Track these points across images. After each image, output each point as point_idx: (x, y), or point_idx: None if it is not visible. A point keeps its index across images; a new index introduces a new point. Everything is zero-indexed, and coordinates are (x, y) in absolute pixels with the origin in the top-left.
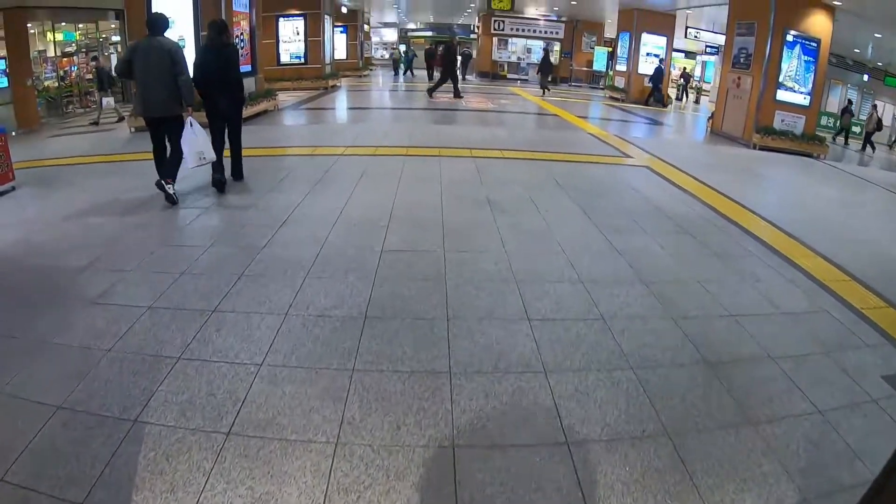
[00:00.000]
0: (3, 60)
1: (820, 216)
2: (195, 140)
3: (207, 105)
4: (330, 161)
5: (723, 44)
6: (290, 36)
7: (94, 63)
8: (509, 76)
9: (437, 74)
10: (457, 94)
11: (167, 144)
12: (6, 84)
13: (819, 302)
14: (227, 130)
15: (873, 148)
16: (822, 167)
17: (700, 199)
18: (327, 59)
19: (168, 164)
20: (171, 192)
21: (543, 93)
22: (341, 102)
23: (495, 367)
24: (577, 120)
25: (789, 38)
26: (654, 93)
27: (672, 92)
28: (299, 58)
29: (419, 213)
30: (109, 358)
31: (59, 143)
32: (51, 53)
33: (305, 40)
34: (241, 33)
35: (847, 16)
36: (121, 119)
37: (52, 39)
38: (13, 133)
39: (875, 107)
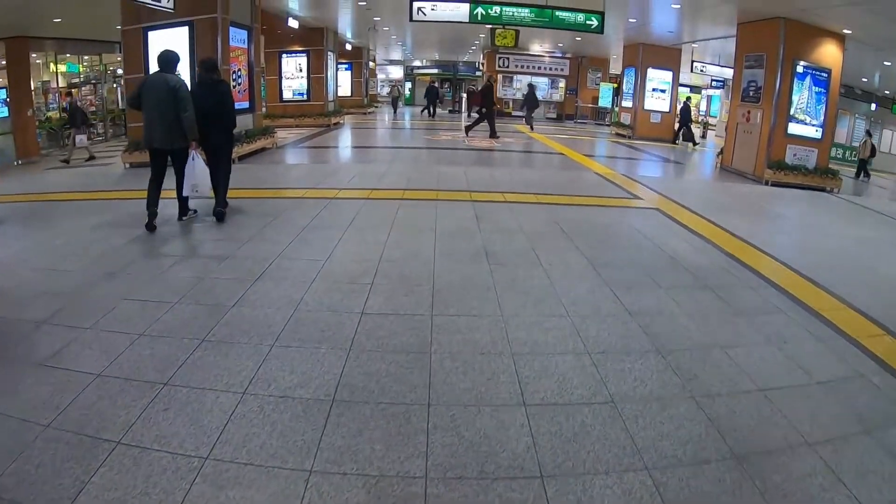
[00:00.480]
0: (4, 90)
1: (843, 258)
2: (192, 172)
3: (201, 140)
4: (321, 205)
5: (728, 77)
6: (293, 72)
7: (68, 98)
8: (514, 113)
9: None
10: (493, 135)
11: (163, 181)
12: (7, 114)
13: (855, 364)
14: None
15: (868, 175)
16: (837, 202)
17: (716, 244)
18: (330, 97)
19: (177, 191)
20: (191, 212)
21: (532, 128)
22: (341, 141)
23: (481, 472)
24: (582, 158)
25: (799, 69)
26: (682, 130)
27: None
28: (302, 95)
29: (408, 269)
30: (46, 436)
31: (54, 177)
32: (54, 84)
33: (308, 77)
34: (239, 69)
35: (856, 44)
36: (91, 158)
37: (55, 70)
38: (17, 163)
39: (869, 133)
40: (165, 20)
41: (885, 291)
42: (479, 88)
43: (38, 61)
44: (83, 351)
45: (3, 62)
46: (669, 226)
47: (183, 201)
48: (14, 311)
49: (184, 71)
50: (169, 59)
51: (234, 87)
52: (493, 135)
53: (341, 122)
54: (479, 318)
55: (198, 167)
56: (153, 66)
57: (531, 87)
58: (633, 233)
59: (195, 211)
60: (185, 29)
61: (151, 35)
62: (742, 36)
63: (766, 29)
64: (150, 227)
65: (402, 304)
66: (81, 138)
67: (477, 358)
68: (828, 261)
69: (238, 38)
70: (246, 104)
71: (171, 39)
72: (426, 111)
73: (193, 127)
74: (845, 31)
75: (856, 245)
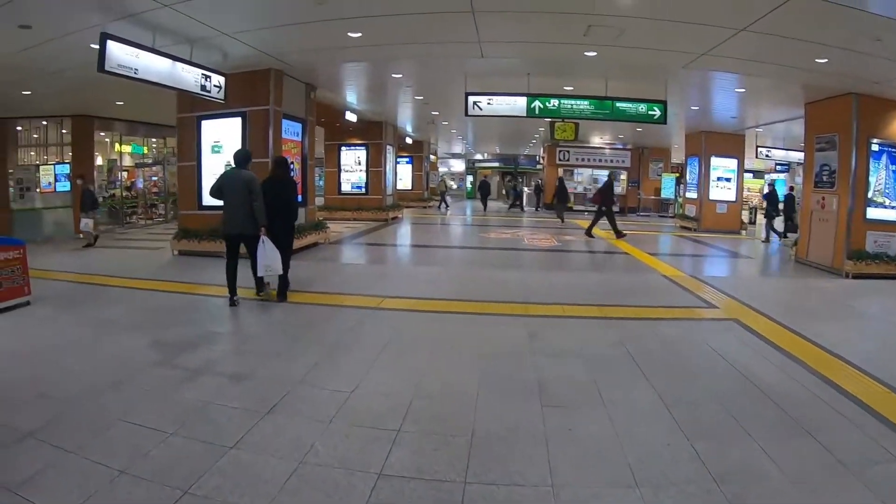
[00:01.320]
0: (68, 165)
1: None
2: (264, 254)
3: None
4: (358, 317)
5: (794, 160)
6: (352, 165)
7: (79, 182)
8: (575, 208)
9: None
10: (619, 234)
11: (237, 264)
12: (69, 188)
13: None
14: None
15: None
16: None
17: (805, 364)
18: (388, 190)
19: (252, 271)
20: (235, 299)
21: (562, 221)
22: (396, 238)
23: None
24: (647, 258)
25: (874, 147)
26: (786, 222)
27: (745, 215)
28: (360, 188)
29: (445, 410)
30: None
31: (103, 256)
32: (119, 163)
33: (367, 170)
34: (291, 161)
35: None
36: (95, 239)
37: (119, 150)
38: (81, 235)
39: None
40: (219, 110)
41: None
42: (601, 186)
43: (106, 140)
44: (57, 481)
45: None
46: (750, 341)
47: (259, 279)
48: (5, 413)
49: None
50: (245, 156)
51: None
52: (619, 235)
53: (399, 216)
54: (524, 487)
55: (268, 249)
56: (206, 153)
57: (561, 180)
58: (710, 354)
59: (237, 300)
60: (238, 119)
61: (205, 124)
62: (811, 116)
63: (836, 107)
64: (233, 303)
65: (430, 463)
66: (87, 223)
67: None
68: None
69: (292, 130)
70: (299, 198)
71: (224, 129)
72: (513, 205)
73: (262, 214)
74: None
75: None
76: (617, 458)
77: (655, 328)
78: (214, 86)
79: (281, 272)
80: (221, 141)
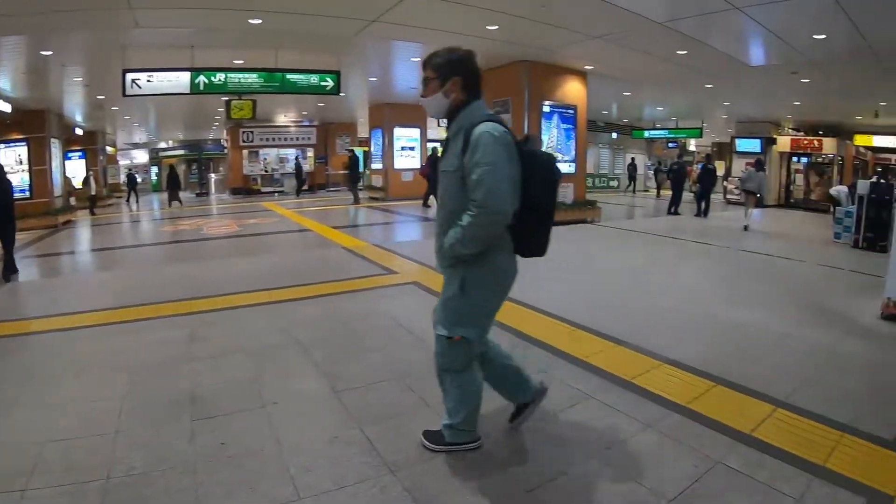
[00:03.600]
0: None
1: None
2: None
3: None
4: None
5: None
6: (13, 166)
7: None
8: (263, 189)
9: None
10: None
11: None
12: None
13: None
14: None
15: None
16: (603, 230)
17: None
18: (57, 191)
19: None
20: None
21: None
22: (62, 245)
23: None
24: (331, 232)
25: (546, 108)
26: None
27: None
28: (24, 192)
29: (80, 451)
30: None
31: None
32: None
33: (30, 170)
34: None
35: (599, 78)
36: None
37: None
38: None
39: None
40: None
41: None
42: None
43: None
44: None
45: None
46: (429, 301)
47: None
48: None
49: None
50: None
51: None
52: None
53: (74, 219)
54: None
55: None
56: None
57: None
58: (387, 323)
59: None
60: None
61: None
62: (487, 82)
63: (509, 73)
64: None
65: None
66: None
67: None
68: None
69: None
70: None
71: None
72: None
73: None
74: (587, 67)
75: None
76: (275, 471)
77: (330, 305)
78: None
79: None
80: None
